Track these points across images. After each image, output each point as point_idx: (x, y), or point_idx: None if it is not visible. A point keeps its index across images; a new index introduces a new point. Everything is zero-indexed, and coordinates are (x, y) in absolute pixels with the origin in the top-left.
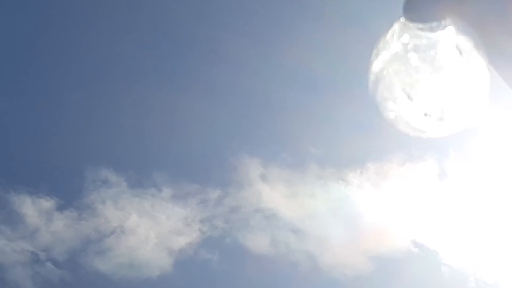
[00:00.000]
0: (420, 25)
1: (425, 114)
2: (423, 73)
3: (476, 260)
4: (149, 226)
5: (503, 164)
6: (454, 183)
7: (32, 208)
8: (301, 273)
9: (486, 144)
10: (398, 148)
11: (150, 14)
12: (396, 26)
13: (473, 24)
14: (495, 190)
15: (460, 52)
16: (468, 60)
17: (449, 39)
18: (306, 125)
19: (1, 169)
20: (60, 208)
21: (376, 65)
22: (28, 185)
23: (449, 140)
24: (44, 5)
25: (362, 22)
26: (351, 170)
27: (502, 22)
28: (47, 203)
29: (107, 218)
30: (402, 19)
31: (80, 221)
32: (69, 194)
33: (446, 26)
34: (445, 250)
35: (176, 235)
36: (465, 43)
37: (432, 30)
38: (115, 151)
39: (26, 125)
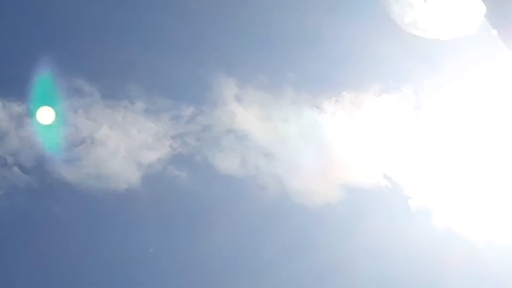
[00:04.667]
0: None
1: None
2: None
3: (444, 196)
4: (119, 138)
5: (478, 101)
6: (429, 117)
7: (2, 112)
8: (269, 196)
9: (466, 80)
10: (375, 78)
11: None
12: None
13: None
14: (471, 125)
15: None
16: None
17: None
18: (285, 49)
19: None
20: (30, 114)
21: None
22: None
23: (427, 73)
24: None
25: None
26: (327, 97)
27: None
28: (18, 108)
29: (77, 128)
30: None
31: (50, 128)
32: (40, 101)
33: None
34: (414, 185)
35: (146, 150)
36: None
37: None
38: (90, 61)
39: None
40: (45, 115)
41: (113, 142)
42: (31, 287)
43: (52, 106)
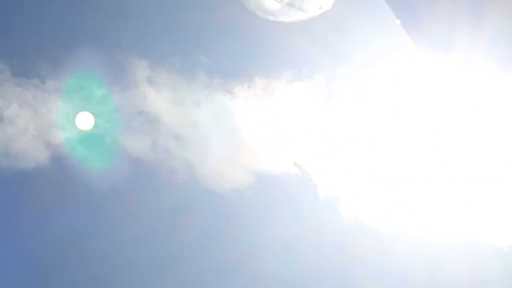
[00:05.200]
0: None
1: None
2: None
3: (352, 186)
4: (29, 117)
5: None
6: (341, 106)
7: None
8: (178, 180)
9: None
10: (288, 65)
11: None
12: None
13: None
14: (382, 116)
15: None
16: None
17: None
18: (198, 32)
19: None
20: None
21: None
22: None
23: (339, 62)
24: None
25: None
26: (239, 83)
27: None
28: None
29: None
30: None
31: None
32: None
33: None
34: (324, 173)
35: (55, 129)
36: None
37: None
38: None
39: None
40: None
41: (23, 121)
42: None
43: None
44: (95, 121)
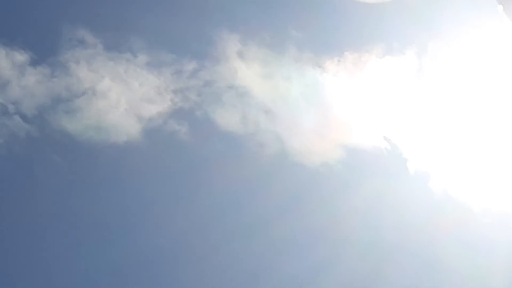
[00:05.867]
0: None
1: None
2: None
3: (442, 160)
4: (121, 91)
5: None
6: (432, 80)
7: (5, 60)
8: (267, 154)
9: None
10: (379, 39)
11: None
12: None
13: None
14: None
15: None
16: None
17: None
18: (289, 7)
19: None
20: (34, 63)
21: None
22: (3, 36)
23: (431, 37)
24: None
25: None
26: (329, 57)
27: None
28: (21, 57)
29: (79, 79)
30: None
31: (52, 78)
32: (44, 50)
33: None
34: (413, 148)
35: (147, 103)
36: None
37: None
38: (94, 12)
39: None
40: (48, 64)
41: (114, 94)
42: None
43: (55, 56)
44: (186, 95)
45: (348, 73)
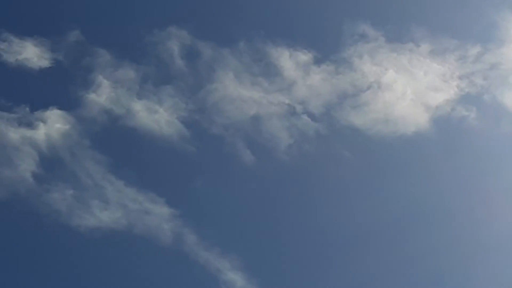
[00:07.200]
0: None
1: None
2: None
3: None
4: (406, 81)
5: None
6: None
7: (289, 61)
8: None
9: None
10: None
11: None
12: None
13: None
14: None
15: None
16: None
17: None
18: None
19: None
20: (317, 61)
21: None
22: (286, 38)
23: None
24: None
25: None
26: None
27: None
28: (304, 57)
29: (363, 73)
30: None
31: (336, 75)
32: (327, 48)
33: None
34: None
35: (433, 92)
36: None
37: None
38: (373, 5)
39: None
40: (331, 62)
41: (400, 86)
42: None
43: (338, 52)
44: (472, 80)
45: None
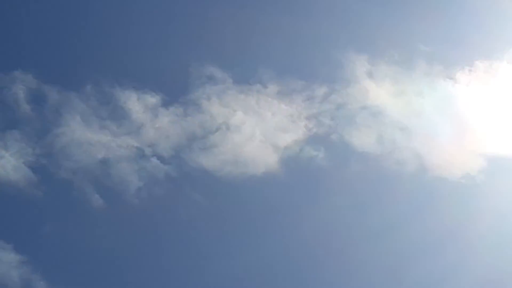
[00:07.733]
0: None
1: None
2: None
3: None
4: (254, 122)
5: None
6: None
7: (137, 104)
8: (407, 171)
9: None
10: (509, 45)
11: None
12: None
13: None
14: None
15: None
16: None
17: None
18: (415, 21)
19: (107, 65)
20: (165, 104)
21: None
22: (133, 80)
23: None
24: None
25: None
26: (460, 68)
27: None
28: (152, 99)
29: (212, 115)
30: None
31: (185, 117)
32: (175, 90)
33: None
34: None
35: (281, 132)
36: None
37: None
38: (220, 47)
39: (132, 22)
40: (180, 104)
41: (248, 127)
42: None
43: (186, 94)
44: (319, 120)
45: (480, 82)
